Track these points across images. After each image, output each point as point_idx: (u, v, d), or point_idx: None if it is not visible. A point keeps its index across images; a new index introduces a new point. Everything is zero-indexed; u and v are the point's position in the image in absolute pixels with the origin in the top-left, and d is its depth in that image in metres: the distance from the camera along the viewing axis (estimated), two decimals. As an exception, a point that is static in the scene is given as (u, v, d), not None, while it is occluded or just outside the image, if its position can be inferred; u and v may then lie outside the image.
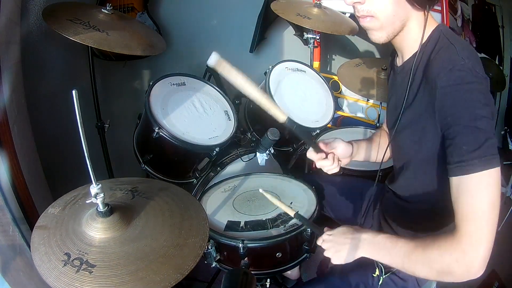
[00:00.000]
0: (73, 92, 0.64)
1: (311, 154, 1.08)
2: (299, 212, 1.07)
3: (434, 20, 0.90)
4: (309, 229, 1.12)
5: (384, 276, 1.03)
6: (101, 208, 0.77)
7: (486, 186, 0.70)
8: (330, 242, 0.95)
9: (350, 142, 1.15)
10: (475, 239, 0.70)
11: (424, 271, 0.77)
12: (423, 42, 0.88)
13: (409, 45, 0.92)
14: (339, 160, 1.09)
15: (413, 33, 0.89)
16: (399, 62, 1.01)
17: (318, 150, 1.07)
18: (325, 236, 0.97)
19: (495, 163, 0.71)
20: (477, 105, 0.73)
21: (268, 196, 1.12)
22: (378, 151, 1.22)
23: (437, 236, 0.77)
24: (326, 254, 0.95)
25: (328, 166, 1.07)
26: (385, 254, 0.85)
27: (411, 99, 0.91)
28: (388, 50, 1.16)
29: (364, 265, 1.07)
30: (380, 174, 1.14)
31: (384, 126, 1.30)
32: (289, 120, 0.94)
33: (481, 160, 0.70)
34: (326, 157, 1.06)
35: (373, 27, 0.87)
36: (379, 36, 0.88)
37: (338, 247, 0.93)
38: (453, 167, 0.74)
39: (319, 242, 0.98)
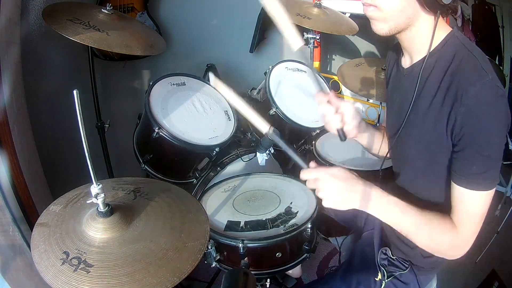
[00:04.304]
0: (74, 92, 0.64)
1: (319, 96, 0.96)
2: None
3: (446, 24, 0.88)
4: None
5: (386, 280, 1.03)
6: (101, 208, 0.77)
7: (483, 202, 0.83)
8: (330, 183, 0.85)
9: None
10: (466, 238, 0.86)
11: (422, 243, 0.88)
12: (435, 46, 0.87)
13: (419, 48, 0.89)
14: (343, 120, 0.96)
15: (423, 35, 0.87)
16: (405, 63, 0.98)
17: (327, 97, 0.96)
18: (321, 174, 0.86)
19: (494, 186, 0.82)
20: (495, 133, 0.78)
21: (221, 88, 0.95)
22: (380, 144, 1.17)
23: (442, 222, 0.86)
24: (320, 194, 0.86)
25: (330, 115, 0.95)
26: (391, 218, 0.88)
27: (424, 107, 0.89)
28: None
29: (367, 269, 1.06)
30: (381, 174, 1.14)
31: (384, 124, 1.29)
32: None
33: (485, 182, 0.81)
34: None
35: (376, 17, 0.85)
36: (380, 27, 0.86)
37: (340, 192, 0.85)
38: (459, 178, 0.83)
39: (306, 175, 0.87)
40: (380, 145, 1.18)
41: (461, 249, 0.86)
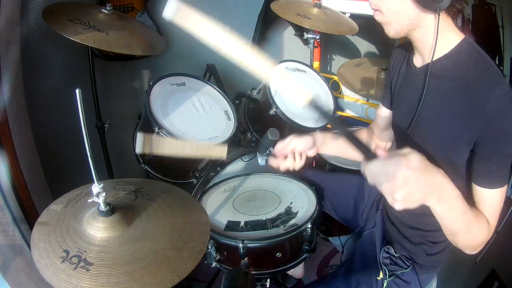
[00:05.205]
0: (77, 91, 0.64)
1: (271, 162, 1.19)
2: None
3: (457, 29, 0.90)
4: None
5: (388, 279, 1.03)
6: (102, 207, 0.77)
7: (501, 197, 0.86)
8: (412, 180, 0.67)
9: (310, 134, 1.20)
10: (491, 232, 0.86)
11: (466, 238, 0.85)
12: (448, 48, 0.88)
13: (431, 49, 0.90)
14: (301, 154, 1.16)
15: (434, 36, 0.88)
16: (417, 62, 0.99)
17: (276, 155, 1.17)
18: (402, 172, 0.66)
19: (508, 180, 0.86)
20: None
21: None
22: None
23: (481, 216, 0.85)
24: (398, 195, 0.67)
25: (291, 164, 1.16)
26: (454, 213, 0.78)
27: (439, 105, 0.90)
28: (390, 50, 1.15)
29: (368, 268, 1.06)
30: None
31: (373, 127, 1.28)
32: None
33: (502, 180, 0.84)
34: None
35: (381, 21, 0.91)
36: (387, 30, 0.91)
37: (420, 188, 0.68)
38: (482, 179, 0.85)
39: (374, 168, 0.71)
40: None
41: (484, 243, 0.87)
